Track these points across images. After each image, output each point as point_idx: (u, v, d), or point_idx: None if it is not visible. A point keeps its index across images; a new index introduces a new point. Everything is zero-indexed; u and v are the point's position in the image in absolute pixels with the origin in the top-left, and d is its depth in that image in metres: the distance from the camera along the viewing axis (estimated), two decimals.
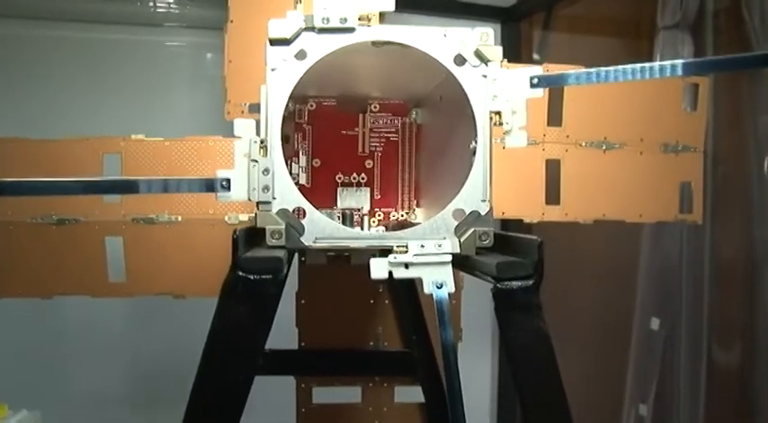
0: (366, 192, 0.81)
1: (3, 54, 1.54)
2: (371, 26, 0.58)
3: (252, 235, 0.58)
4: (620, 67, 0.60)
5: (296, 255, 0.95)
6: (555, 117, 1.02)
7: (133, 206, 0.94)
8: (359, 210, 0.81)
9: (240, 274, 0.51)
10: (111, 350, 1.42)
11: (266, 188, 0.56)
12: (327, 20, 0.57)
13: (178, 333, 1.18)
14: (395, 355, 1.02)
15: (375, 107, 0.82)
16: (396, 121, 0.82)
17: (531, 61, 1.78)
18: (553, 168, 1.03)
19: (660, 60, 1.45)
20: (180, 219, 0.96)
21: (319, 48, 0.57)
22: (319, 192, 0.81)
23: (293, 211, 0.57)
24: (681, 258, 1.43)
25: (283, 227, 0.56)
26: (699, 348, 1.44)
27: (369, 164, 0.82)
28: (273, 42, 0.57)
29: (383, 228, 0.81)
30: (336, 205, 0.81)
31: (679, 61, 0.58)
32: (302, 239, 0.57)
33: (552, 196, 1.02)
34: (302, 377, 1.02)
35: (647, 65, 0.60)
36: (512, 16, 1.79)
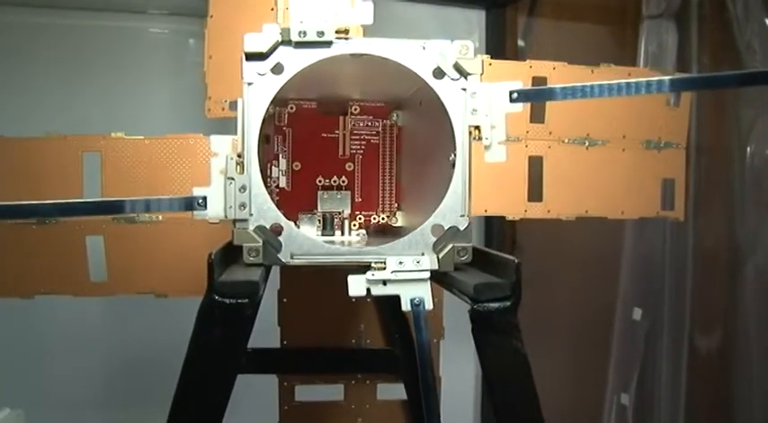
0: (347, 195, 0.80)
1: None
2: (349, 39, 0.57)
3: (229, 251, 0.57)
4: (605, 82, 0.60)
5: None
6: (538, 114, 1.02)
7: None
8: (339, 213, 0.81)
9: (216, 298, 0.50)
10: (94, 349, 1.41)
11: (243, 205, 0.56)
12: (304, 33, 0.56)
13: (160, 332, 1.18)
14: (377, 353, 1.02)
15: (355, 109, 0.81)
16: (376, 124, 0.81)
17: (515, 48, 1.77)
18: (536, 165, 1.02)
19: (645, 49, 1.46)
20: (161, 218, 0.95)
21: (296, 61, 0.57)
22: (300, 195, 0.80)
23: (270, 227, 0.56)
24: (664, 249, 1.44)
25: (261, 244, 0.56)
26: (681, 338, 1.46)
27: (349, 167, 0.81)
28: (249, 57, 0.56)
29: (364, 231, 0.81)
30: (317, 209, 0.80)
31: (665, 78, 0.58)
32: (279, 256, 0.56)
33: (535, 193, 1.02)
34: (285, 375, 1.01)
35: (632, 81, 0.59)
36: (496, 2, 1.78)
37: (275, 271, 1.00)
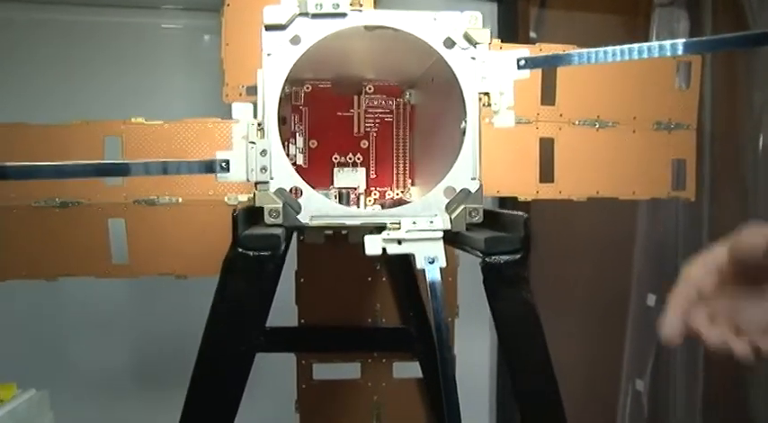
0: (362, 171, 0.84)
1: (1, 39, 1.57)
2: (363, 11, 0.61)
3: (251, 214, 0.61)
4: (613, 47, 0.63)
5: (294, 234, 0.98)
6: (548, 96, 1.05)
7: (135, 188, 0.97)
8: (355, 189, 0.84)
9: (240, 250, 0.54)
10: (116, 329, 1.45)
11: (264, 169, 0.59)
12: (320, 5, 0.59)
13: (181, 311, 1.21)
14: (393, 332, 1.05)
15: (370, 89, 0.84)
16: (390, 102, 0.85)
17: (527, 40, 1.80)
18: (547, 147, 1.05)
19: (656, 37, 1.48)
20: (180, 200, 0.99)
21: (313, 33, 0.60)
22: (316, 172, 0.83)
23: (290, 190, 0.60)
24: (677, 234, 1.47)
25: (281, 206, 0.59)
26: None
27: (364, 144, 0.84)
28: (269, 28, 0.59)
29: (379, 206, 0.84)
30: (333, 185, 0.84)
31: (670, 41, 0.61)
32: (299, 217, 0.60)
33: (546, 174, 1.05)
34: (302, 354, 1.05)
35: (634, 45, 0.63)
36: None
37: (292, 252, 1.04)
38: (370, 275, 1.04)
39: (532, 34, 1.81)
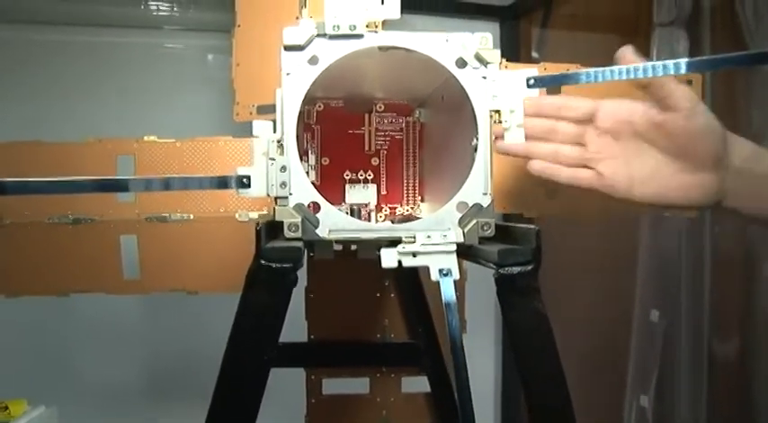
0: (373, 188, 0.86)
1: (10, 59, 1.60)
2: (378, 32, 0.64)
3: (270, 228, 0.63)
4: (614, 67, 0.66)
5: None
6: None
7: (146, 205, 1.00)
8: (366, 205, 0.87)
9: (263, 263, 0.56)
10: (125, 346, 1.48)
11: (283, 184, 0.62)
12: (338, 27, 0.62)
13: (191, 328, 1.24)
14: (401, 347, 1.07)
15: (380, 107, 0.87)
16: (400, 121, 0.88)
17: (529, 59, 1.84)
18: None
19: (657, 56, 1.52)
20: (192, 217, 1.01)
21: (331, 53, 0.63)
22: (328, 188, 0.86)
23: (308, 205, 0.63)
24: (680, 250, 1.49)
25: (300, 220, 0.62)
26: (699, 340, 1.50)
27: (375, 161, 0.87)
28: (288, 48, 0.62)
29: (390, 222, 0.87)
30: (344, 201, 0.86)
31: (673, 61, 0.63)
32: (317, 231, 0.62)
33: (551, 191, 1.07)
34: (312, 369, 1.07)
35: (639, 65, 0.66)
36: (510, 15, 1.85)
37: (302, 269, 1.06)
38: (379, 291, 1.07)
39: (534, 54, 1.85)
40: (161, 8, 1.72)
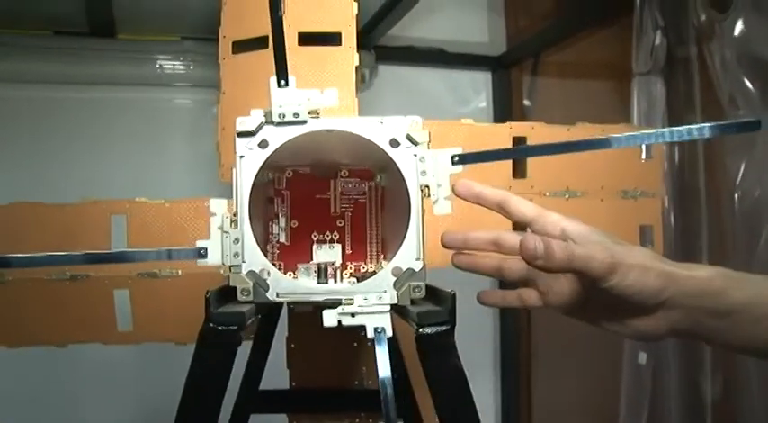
0: (338, 248, 0.95)
1: (27, 117, 1.74)
2: (320, 118, 0.74)
3: (226, 292, 0.74)
4: (539, 145, 0.76)
5: (285, 305, 1.11)
6: (520, 170, 1.17)
7: (138, 262, 1.11)
8: (333, 264, 0.96)
9: (211, 325, 0.67)
10: (120, 393, 1.58)
11: (236, 254, 0.72)
12: (283, 115, 0.73)
13: (180, 376, 1.33)
14: (378, 393, 1.15)
15: (344, 173, 0.97)
16: (363, 185, 0.97)
17: (521, 107, 1.94)
18: None
19: (637, 102, 1.62)
20: (180, 272, 1.12)
21: (278, 137, 0.74)
22: (297, 249, 0.95)
23: (260, 271, 0.73)
24: None
25: (251, 285, 0.72)
26: (688, 379, 1.57)
27: (340, 223, 0.97)
28: (240, 135, 0.73)
29: (354, 279, 0.96)
30: (312, 260, 0.96)
31: (609, 136, 0.72)
32: (267, 295, 0.73)
33: None
34: (294, 414, 1.17)
35: (566, 142, 0.75)
36: (502, 64, 1.96)
37: (283, 320, 1.16)
38: (356, 341, 1.16)
39: (526, 102, 1.95)
40: (165, 66, 1.86)
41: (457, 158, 0.74)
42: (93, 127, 1.80)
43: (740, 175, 1.44)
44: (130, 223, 1.12)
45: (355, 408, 1.16)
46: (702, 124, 0.68)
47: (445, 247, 0.79)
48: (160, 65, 1.81)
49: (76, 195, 1.13)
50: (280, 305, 1.10)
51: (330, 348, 1.15)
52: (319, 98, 0.74)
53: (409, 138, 0.74)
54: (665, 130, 0.70)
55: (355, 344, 1.16)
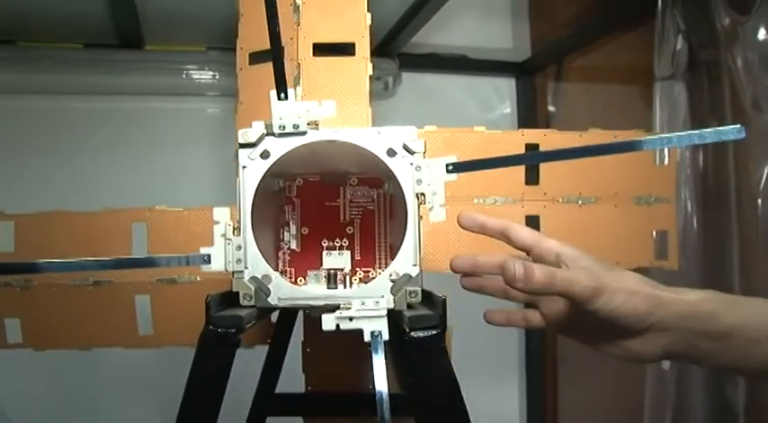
0: (347, 254, 0.98)
1: (59, 127, 1.80)
2: (319, 129, 0.78)
3: (229, 297, 0.77)
4: (532, 153, 0.78)
5: (300, 311, 1.14)
6: (532, 177, 1.20)
7: (158, 268, 1.15)
8: (342, 270, 0.99)
9: (211, 328, 0.70)
10: (142, 394, 1.63)
11: (239, 261, 0.76)
12: (284, 127, 0.76)
13: None
14: (392, 397, 1.18)
15: (354, 181, 1.00)
16: (372, 193, 1.00)
17: (546, 112, 1.95)
18: (533, 224, 1.19)
19: (659, 106, 1.62)
20: (199, 278, 1.16)
21: (279, 148, 0.77)
22: (308, 255, 0.99)
23: (262, 276, 0.76)
24: None
25: (253, 290, 0.75)
26: (713, 388, 1.57)
27: (350, 230, 1.00)
28: (242, 146, 0.77)
29: (364, 284, 0.99)
30: (322, 266, 0.99)
31: (601, 143, 0.75)
32: (269, 299, 0.76)
33: None
34: (309, 417, 1.20)
35: (552, 151, 0.77)
36: (526, 70, 1.97)
37: (299, 324, 1.20)
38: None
39: (551, 108, 1.96)
40: (194, 75, 1.91)
41: (451, 167, 0.76)
42: (123, 136, 1.86)
43: (764, 180, 1.44)
44: (151, 230, 1.16)
45: (369, 411, 1.19)
46: (704, 129, 0.70)
47: (454, 271, 0.83)
48: (187, 74, 1.86)
49: (108, 203, 1.18)
50: (295, 311, 1.14)
51: (345, 352, 1.18)
52: (318, 110, 0.77)
53: (406, 147, 0.77)
54: (671, 135, 0.72)
55: (369, 347, 1.18)
